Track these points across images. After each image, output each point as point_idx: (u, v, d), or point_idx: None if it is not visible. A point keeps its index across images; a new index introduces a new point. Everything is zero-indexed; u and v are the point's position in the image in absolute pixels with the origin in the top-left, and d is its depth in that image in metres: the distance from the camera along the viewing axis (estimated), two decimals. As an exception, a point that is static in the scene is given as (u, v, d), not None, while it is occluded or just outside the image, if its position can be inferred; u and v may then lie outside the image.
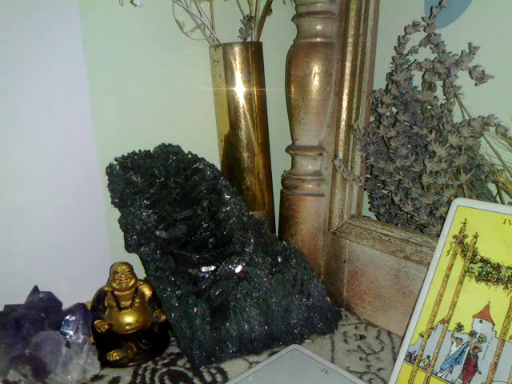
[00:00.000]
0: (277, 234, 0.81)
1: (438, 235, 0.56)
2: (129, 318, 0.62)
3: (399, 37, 0.67)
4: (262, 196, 0.78)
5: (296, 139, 0.76)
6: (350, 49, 0.69)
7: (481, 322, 0.49)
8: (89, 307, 0.63)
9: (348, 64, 0.69)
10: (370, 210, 0.77)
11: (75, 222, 0.68)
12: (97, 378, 0.57)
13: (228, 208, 0.68)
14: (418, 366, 0.51)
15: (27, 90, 0.62)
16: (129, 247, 0.65)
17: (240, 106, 0.74)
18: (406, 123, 0.65)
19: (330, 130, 0.73)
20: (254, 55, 0.73)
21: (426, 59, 0.65)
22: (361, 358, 0.59)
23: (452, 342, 0.50)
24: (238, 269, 0.63)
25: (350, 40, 0.69)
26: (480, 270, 0.51)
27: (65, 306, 0.62)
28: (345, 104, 0.70)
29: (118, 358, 0.59)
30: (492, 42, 0.63)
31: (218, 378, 0.56)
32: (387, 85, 0.72)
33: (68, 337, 0.58)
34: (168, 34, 0.72)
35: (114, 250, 0.71)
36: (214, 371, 0.58)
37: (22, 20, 0.60)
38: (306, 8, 0.71)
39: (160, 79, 0.73)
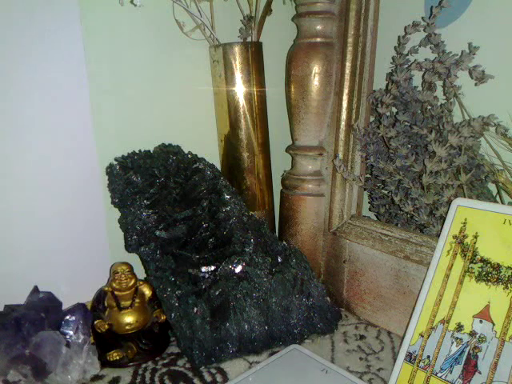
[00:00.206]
0: (277, 234, 0.81)
1: (438, 235, 0.56)
2: (129, 318, 0.62)
3: (399, 37, 0.67)
4: (262, 196, 0.78)
5: (296, 139, 0.76)
6: (350, 49, 0.69)
7: (481, 321, 0.49)
8: (89, 307, 0.63)
9: (348, 64, 0.69)
10: (370, 210, 0.77)
11: (75, 222, 0.68)
12: (97, 378, 0.57)
13: (228, 208, 0.68)
14: (418, 365, 0.51)
15: (27, 90, 0.62)
16: (129, 247, 0.65)
17: (240, 106, 0.74)
18: (406, 123, 0.65)
19: (330, 129, 0.73)
20: (254, 55, 0.73)
21: (426, 59, 0.65)
22: (361, 358, 0.59)
23: (452, 342, 0.50)
24: (238, 269, 0.63)
25: (349, 40, 0.69)
26: (480, 270, 0.51)
27: (65, 306, 0.62)
28: (345, 104, 0.70)
29: (117, 357, 0.59)
30: (492, 42, 0.63)
31: (218, 378, 0.56)
32: (387, 85, 0.72)
33: (68, 337, 0.58)
34: (168, 34, 0.72)
35: (114, 250, 0.71)
36: (214, 371, 0.58)
37: (22, 20, 0.60)
38: (306, 8, 0.71)
39: (160, 79, 0.73)
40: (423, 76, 0.66)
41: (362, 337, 0.64)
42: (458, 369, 0.48)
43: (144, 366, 0.59)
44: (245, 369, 0.58)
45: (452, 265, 0.53)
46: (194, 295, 0.61)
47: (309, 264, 0.68)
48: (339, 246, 0.71)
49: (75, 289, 0.67)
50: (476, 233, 0.52)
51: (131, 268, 0.64)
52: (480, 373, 0.47)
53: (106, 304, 0.63)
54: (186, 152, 0.72)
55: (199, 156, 0.72)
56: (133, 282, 0.63)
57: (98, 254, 0.71)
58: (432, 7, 0.64)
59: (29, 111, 0.62)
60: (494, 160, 0.62)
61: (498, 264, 0.50)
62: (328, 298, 0.67)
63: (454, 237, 0.54)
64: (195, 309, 0.60)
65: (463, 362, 0.48)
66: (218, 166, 0.79)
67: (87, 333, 0.59)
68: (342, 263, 0.71)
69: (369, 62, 0.70)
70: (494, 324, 0.48)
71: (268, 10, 0.76)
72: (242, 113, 0.74)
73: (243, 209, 0.69)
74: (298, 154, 0.75)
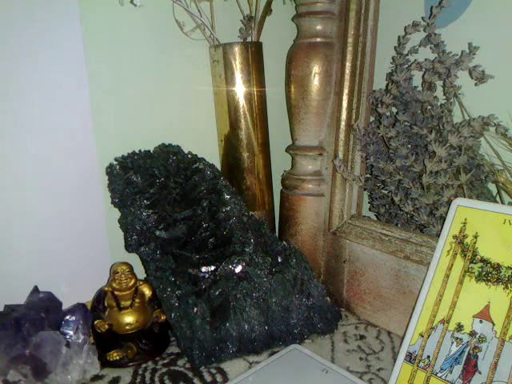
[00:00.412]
0: (277, 234, 0.81)
1: (438, 235, 0.56)
2: (129, 318, 0.62)
3: (399, 37, 0.67)
4: (262, 196, 0.78)
5: (296, 139, 0.76)
6: (350, 49, 0.69)
7: (481, 321, 0.49)
8: (89, 307, 0.63)
9: (348, 64, 0.69)
10: (370, 210, 0.77)
11: (75, 222, 0.68)
12: (97, 378, 0.57)
13: (228, 208, 0.68)
14: (418, 365, 0.51)
15: (27, 90, 0.62)
16: (129, 247, 0.65)
17: (240, 106, 0.74)
18: (406, 123, 0.65)
19: (330, 129, 0.73)
20: (254, 55, 0.73)
21: (426, 59, 0.65)
22: (361, 358, 0.59)
23: (452, 342, 0.50)
24: (238, 269, 0.63)
25: (349, 40, 0.69)
26: (480, 270, 0.51)
27: (65, 306, 0.62)
28: (345, 104, 0.70)
29: (117, 357, 0.59)
30: (492, 42, 0.63)
31: (218, 378, 0.56)
32: (387, 85, 0.72)
33: (68, 337, 0.58)
34: (168, 34, 0.72)
35: (114, 249, 0.71)
36: (214, 371, 0.58)
37: (22, 20, 0.60)
38: (306, 8, 0.71)
39: (160, 79, 0.73)
40: (423, 76, 0.66)
41: (362, 337, 0.64)
42: (457, 369, 0.48)
43: (144, 366, 0.59)
44: (245, 369, 0.58)
45: (452, 265, 0.53)
46: (193, 295, 0.61)
47: (309, 264, 0.68)
48: (339, 246, 0.71)
49: (75, 289, 0.67)
50: (476, 233, 0.52)
51: (131, 268, 0.64)
52: (480, 373, 0.47)
53: (106, 304, 0.63)
54: (186, 152, 0.72)
55: (199, 156, 0.72)
56: (133, 282, 0.63)
57: (97, 254, 0.71)
58: (432, 7, 0.64)
59: (29, 111, 0.62)
60: (494, 160, 0.62)
61: (498, 264, 0.50)
62: (328, 298, 0.67)
63: (454, 237, 0.54)
64: (195, 309, 0.60)
65: (463, 362, 0.48)
66: (218, 166, 0.79)
67: (87, 333, 0.59)
68: (342, 263, 0.71)
69: (369, 62, 0.70)
70: (494, 324, 0.48)
71: (268, 10, 0.76)
72: (241, 113, 0.74)
73: (243, 209, 0.69)
74: (298, 154, 0.75)
